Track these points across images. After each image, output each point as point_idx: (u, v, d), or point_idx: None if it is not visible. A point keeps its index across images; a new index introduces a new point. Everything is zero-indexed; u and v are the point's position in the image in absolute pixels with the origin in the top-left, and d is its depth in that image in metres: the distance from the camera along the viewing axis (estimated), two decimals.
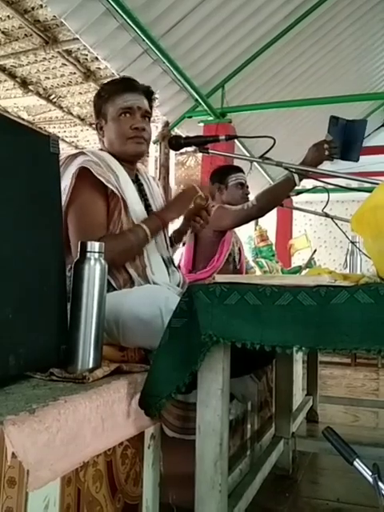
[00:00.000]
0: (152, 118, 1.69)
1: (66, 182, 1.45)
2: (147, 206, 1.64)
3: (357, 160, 1.75)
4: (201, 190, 1.57)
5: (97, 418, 0.99)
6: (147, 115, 1.61)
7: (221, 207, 2.47)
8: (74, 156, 1.51)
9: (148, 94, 1.63)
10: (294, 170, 1.88)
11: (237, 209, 2.35)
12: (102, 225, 1.49)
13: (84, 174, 1.45)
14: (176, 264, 1.74)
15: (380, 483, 0.97)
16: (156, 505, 1.22)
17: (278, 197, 2.12)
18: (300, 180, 1.94)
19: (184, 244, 2.10)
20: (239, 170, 2.77)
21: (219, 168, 2.91)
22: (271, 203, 2.18)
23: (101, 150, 1.64)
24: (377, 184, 1.31)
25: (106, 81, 5.13)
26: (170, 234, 1.77)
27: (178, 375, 1.06)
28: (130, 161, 1.63)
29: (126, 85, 1.59)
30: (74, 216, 1.47)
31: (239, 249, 2.74)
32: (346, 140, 1.74)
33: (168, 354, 1.08)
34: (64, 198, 1.44)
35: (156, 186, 1.77)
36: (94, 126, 1.70)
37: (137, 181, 1.66)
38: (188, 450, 1.14)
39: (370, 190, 1.15)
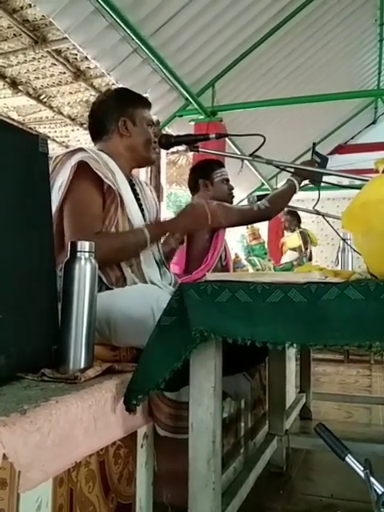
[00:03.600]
0: None
1: (64, 176, 1.45)
2: (141, 210, 1.64)
3: (318, 184, 2.03)
4: (211, 213, 1.61)
5: (89, 418, 0.98)
6: None
7: (220, 205, 2.42)
8: (73, 152, 1.51)
9: None
10: (291, 170, 1.97)
11: (243, 208, 2.33)
12: (99, 217, 1.49)
13: (82, 169, 1.45)
14: (167, 266, 1.75)
15: (372, 478, 0.98)
16: (150, 504, 1.22)
17: (286, 201, 2.28)
18: (299, 185, 2.19)
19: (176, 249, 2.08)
20: (222, 165, 2.69)
21: (201, 163, 2.78)
22: (281, 208, 2.34)
23: (100, 150, 1.63)
24: (367, 181, 1.32)
25: (96, 80, 5.18)
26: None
27: (160, 372, 1.05)
28: (141, 165, 1.81)
29: (148, 101, 1.79)
30: (70, 209, 1.47)
31: (224, 245, 2.72)
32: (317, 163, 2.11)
33: (154, 351, 1.08)
34: (60, 192, 1.45)
35: (149, 191, 1.79)
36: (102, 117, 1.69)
37: (131, 185, 1.67)
38: (182, 449, 1.14)
39: (360, 187, 1.16)
